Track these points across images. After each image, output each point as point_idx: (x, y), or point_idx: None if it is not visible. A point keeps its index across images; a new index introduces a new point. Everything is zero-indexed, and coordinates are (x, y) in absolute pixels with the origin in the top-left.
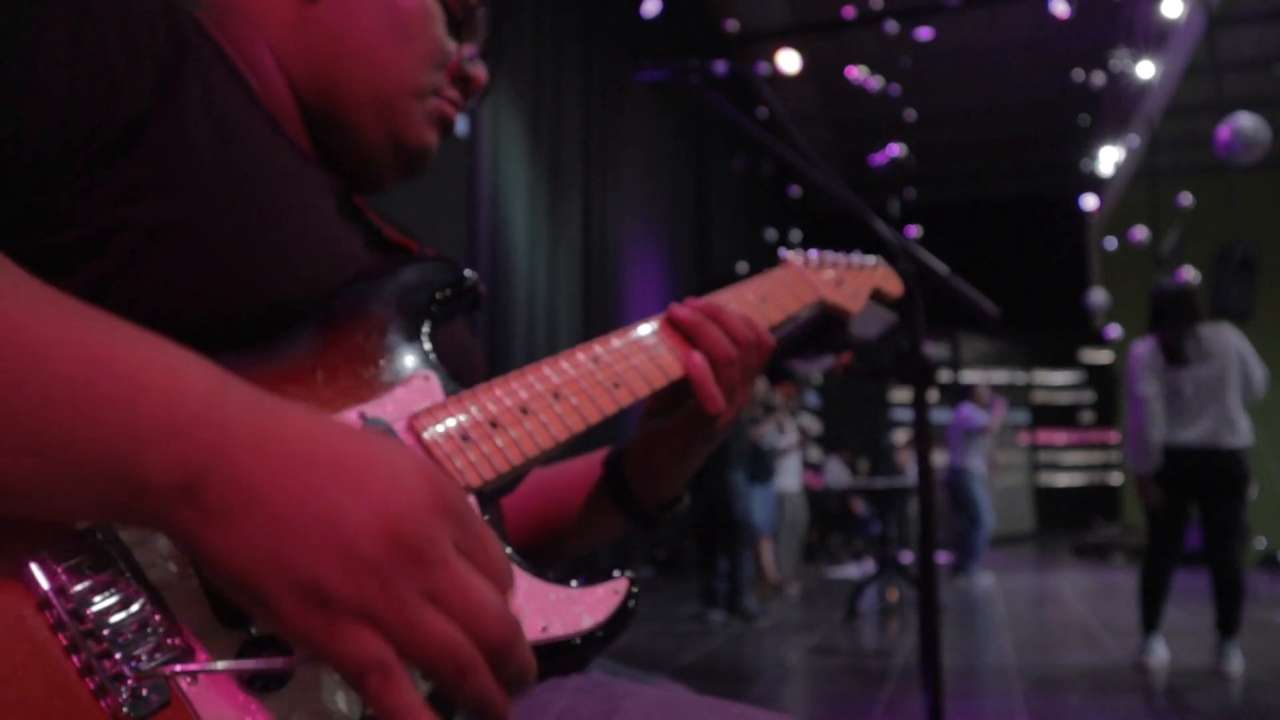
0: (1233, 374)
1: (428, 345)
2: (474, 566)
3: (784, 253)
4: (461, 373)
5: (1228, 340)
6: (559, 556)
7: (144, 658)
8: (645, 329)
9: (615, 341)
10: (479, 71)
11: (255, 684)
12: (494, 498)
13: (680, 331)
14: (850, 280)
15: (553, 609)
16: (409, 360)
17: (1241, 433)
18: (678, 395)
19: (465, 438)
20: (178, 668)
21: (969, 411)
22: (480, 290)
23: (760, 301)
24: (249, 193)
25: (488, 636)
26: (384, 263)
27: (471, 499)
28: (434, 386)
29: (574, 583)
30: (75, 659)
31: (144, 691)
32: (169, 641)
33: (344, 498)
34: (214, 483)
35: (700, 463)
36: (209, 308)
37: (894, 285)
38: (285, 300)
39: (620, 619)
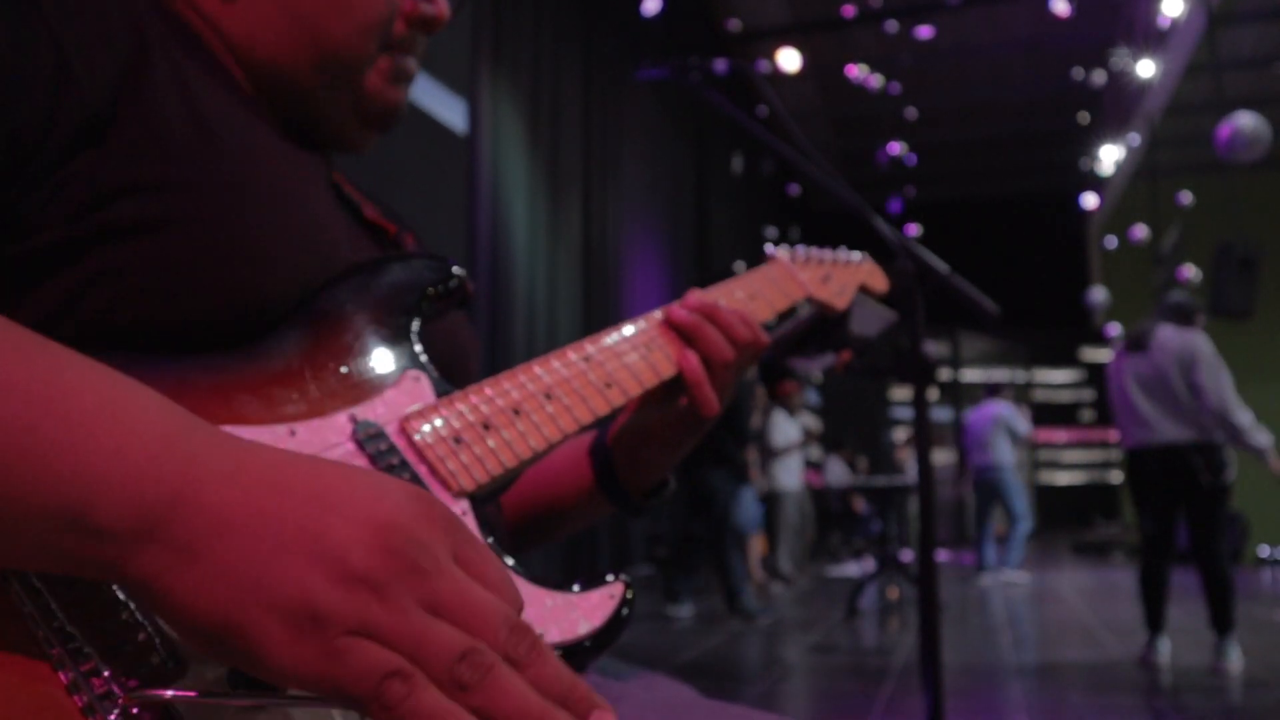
0: (1175, 375)
1: (418, 345)
2: (473, 578)
3: (771, 249)
4: (453, 370)
5: (1184, 339)
6: (547, 540)
7: (132, 677)
8: (637, 326)
9: (606, 340)
10: (435, 9)
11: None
12: (489, 499)
13: (678, 333)
14: (837, 276)
15: (550, 615)
16: (398, 360)
17: (1203, 430)
18: (669, 390)
19: (458, 440)
20: (168, 693)
21: (1005, 410)
22: (468, 287)
23: (749, 299)
24: (229, 187)
25: (499, 647)
26: (371, 260)
27: (465, 503)
28: (424, 387)
29: (576, 587)
30: (62, 675)
31: (133, 710)
32: (158, 660)
33: (326, 512)
34: (182, 514)
35: (687, 452)
36: (192, 310)
37: (880, 281)
38: (271, 298)
39: (616, 624)
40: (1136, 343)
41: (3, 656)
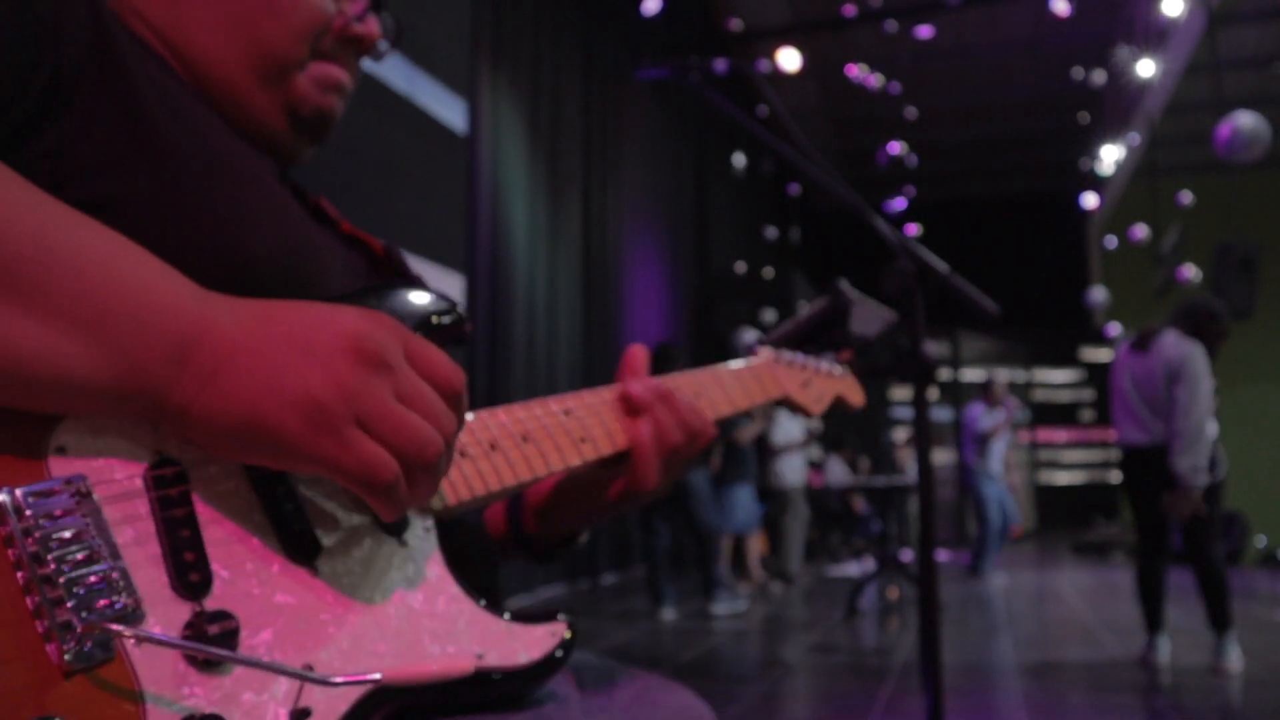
0: (1162, 381)
1: None
2: (423, 363)
3: (759, 348)
4: None
5: (1180, 349)
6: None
7: (93, 613)
8: (597, 395)
9: (588, 398)
10: (365, 29)
11: (198, 659)
12: (468, 525)
13: (630, 407)
14: (817, 384)
15: (491, 639)
16: None
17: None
18: (612, 460)
19: None
20: (126, 630)
21: (976, 410)
22: (466, 326)
23: (726, 385)
24: (206, 165)
25: (445, 432)
26: (377, 283)
27: (430, 521)
28: None
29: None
30: (29, 600)
31: (88, 645)
32: (121, 601)
33: (310, 331)
34: (204, 347)
35: (609, 518)
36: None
37: (857, 396)
38: (254, 258)
39: (553, 660)
40: (1140, 342)
41: None
